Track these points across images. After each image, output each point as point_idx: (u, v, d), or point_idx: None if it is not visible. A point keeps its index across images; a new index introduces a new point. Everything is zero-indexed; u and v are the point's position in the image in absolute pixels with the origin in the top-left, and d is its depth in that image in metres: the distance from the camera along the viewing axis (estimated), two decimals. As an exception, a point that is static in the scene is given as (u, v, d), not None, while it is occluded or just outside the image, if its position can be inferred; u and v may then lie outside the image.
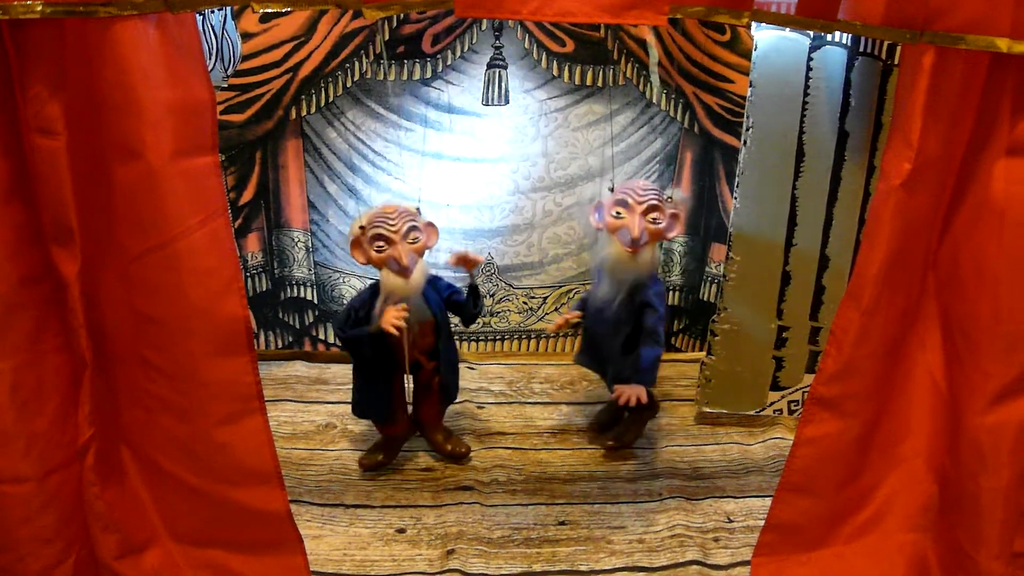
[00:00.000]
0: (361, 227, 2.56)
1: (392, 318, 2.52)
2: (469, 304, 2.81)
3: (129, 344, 2.03)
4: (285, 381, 3.45)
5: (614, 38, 3.34)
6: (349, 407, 2.86)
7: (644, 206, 2.62)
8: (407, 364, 2.74)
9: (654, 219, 2.63)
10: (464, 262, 2.73)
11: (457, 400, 3.22)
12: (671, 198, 2.70)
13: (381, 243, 2.55)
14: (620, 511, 2.75)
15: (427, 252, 2.67)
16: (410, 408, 2.99)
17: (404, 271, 2.56)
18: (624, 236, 2.62)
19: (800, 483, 2.31)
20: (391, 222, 2.54)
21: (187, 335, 1.97)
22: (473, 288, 2.80)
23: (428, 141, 3.39)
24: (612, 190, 2.68)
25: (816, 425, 2.25)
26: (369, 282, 2.77)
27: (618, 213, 2.64)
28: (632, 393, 2.67)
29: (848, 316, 2.15)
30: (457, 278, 2.96)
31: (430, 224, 2.68)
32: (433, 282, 2.76)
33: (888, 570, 2.37)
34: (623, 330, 2.78)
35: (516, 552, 2.55)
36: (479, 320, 3.62)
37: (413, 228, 2.59)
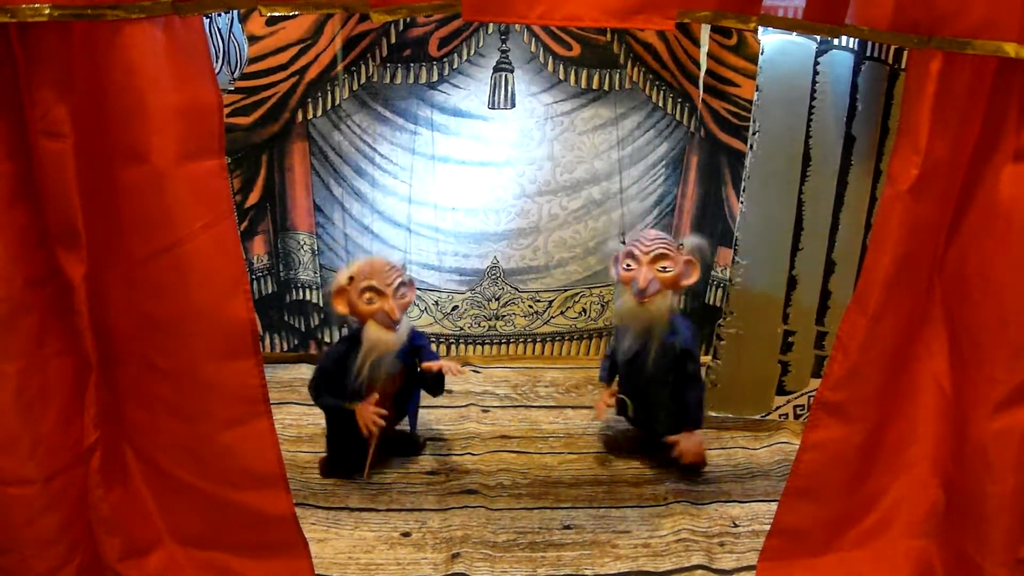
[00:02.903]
0: (350, 278, 2.58)
1: (369, 420, 2.59)
2: (432, 384, 2.86)
3: (134, 347, 2.03)
4: (291, 384, 3.45)
5: (620, 42, 3.34)
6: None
7: (651, 256, 2.68)
8: (370, 457, 2.79)
9: (663, 268, 2.69)
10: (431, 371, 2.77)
11: (461, 404, 3.24)
12: (681, 245, 2.76)
13: (371, 295, 2.57)
14: (625, 515, 2.74)
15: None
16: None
17: (393, 325, 2.59)
18: (634, 287, 2.68)
19: (806, 488, 2.31)
20: (384, 275, 2.58)
21: (193, 338, 1.98)
22: (438, 377, 2.82)
23: (434, 145, 3.39)
24: (624, 243, 2.74)
25: (822, 430, 2.25)
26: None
27: (628, 265, 2.72)
28: (692, 445, 2.80)
29: (854, 321, 2.14)
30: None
31: (412, 281, 2.73)
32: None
33: (893, 576, 2.36)
34: (665, 378, 2.81)
35: (521, 556, 2.54)
36: (481, 322, 3.64)
37: (402, 284, 2.63)
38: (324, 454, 2.89)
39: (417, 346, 2.80)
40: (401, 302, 2.62)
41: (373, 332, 2.60)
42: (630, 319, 2.76)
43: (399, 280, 2.61)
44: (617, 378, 2.99)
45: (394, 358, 2.68)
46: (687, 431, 2.83)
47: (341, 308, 2.63)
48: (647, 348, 2.76)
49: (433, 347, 2.92)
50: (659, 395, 2.86)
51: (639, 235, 2.77)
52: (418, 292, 2.69)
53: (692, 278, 2.78)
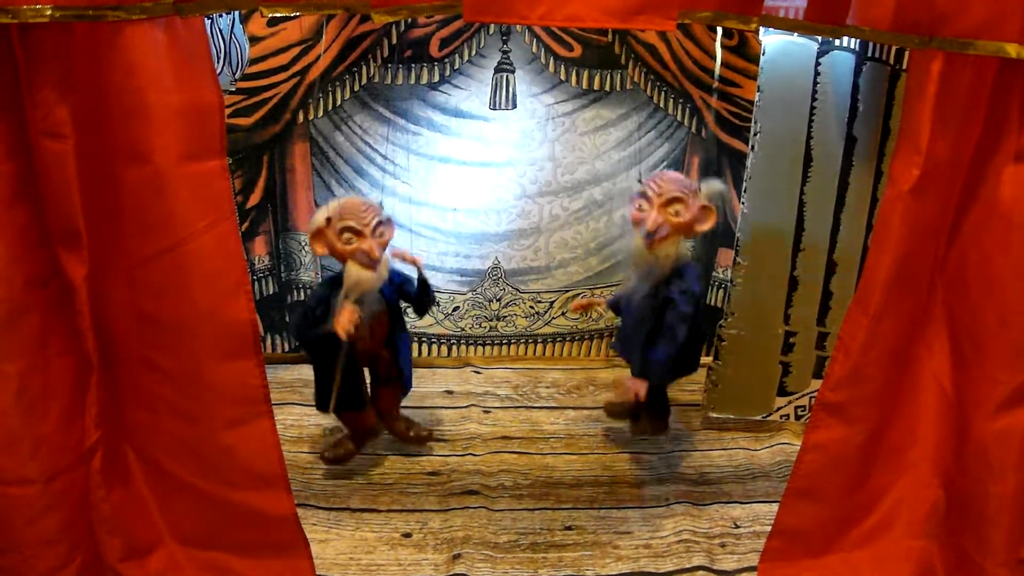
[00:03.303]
0: (327, 219, 2.56)
1: (345, 321, 2.53)
2: (420, 296, 2.83)
3: (135, 347, 2.03)
4: (292, 385, 3.45)
5: (621, 43, 3.34)
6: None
7: (664, 199, 2.58)
8: (354, 354, 2.72)
9: (675, 212, 2.59)
10: (404, 260, 2.76)
11: (462, 405, 3.23)
12: (698, 190, 2.64)
13: (350, 235, 2.56)
14: (626, 516, 2.74)
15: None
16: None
17: (372, 264, 2.58)
18: (641, 229, 2.61)
19: (807, 489, 2.31)
20: (361, 215, 2.56)
21: (194, 338, 1.98)
22: (422, 281, 2.80)
23: (435, 145, 3.39)
24: (641, 182, 2.68)
25: (823, 431, 2.25)
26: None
27: (640, 206, 2.63)
28: (633, 388, 2.67)
29: (856, 321, 2.14)
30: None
31: (390, 219, 2.68)
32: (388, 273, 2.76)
33: (895, 576, 2.36)
34: (645, 324, 2.74)
35: (522, 557, 2.54)
36: (482, 322, 3.63)
37: (380, 223, 2.61)
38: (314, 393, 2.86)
39: (398, 283, 2.81)
40: (380, 240, 2.60)
41: (353, 271, 2.59)
42: (636, 261, 2.68)
43: (376, 219, 2.59)
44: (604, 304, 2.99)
45: (377, 296, 2.68)
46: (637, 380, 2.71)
47: (320, 249, 2.62)
48: (642, 289, 2.71)
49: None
50: (639, 337, 2.77)
51: (656, 175, 2.67)
52: (386, 212, 2.64)
53: (707, 224, 2.66)
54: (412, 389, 2.99)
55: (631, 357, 2.88)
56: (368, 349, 2.79)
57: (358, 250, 2.57)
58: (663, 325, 2.69)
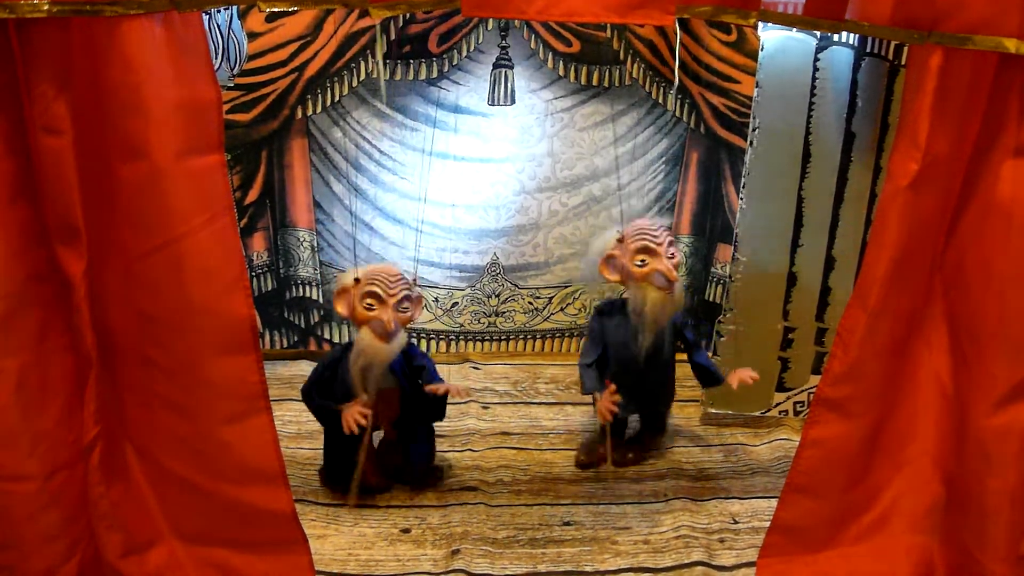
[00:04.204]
0: (356, 279, 2.51)
1: (352, 419, 2.46)
2: (432, 407, 2.75)
3: (134, 343, 2.03)
4: (290, 381, 3.45)
5: (620, 38, 3.34)
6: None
7: (663, 247, 2.62)
8: (357, 476, 2.64)
9: (671, 254, 2.64)
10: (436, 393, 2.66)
11: (462, 401, 3.21)
12: (668, 228, 2.73)
13: (371, 301, 2.49)
14: (625, 512, 2.74)
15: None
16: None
17: (387, 336, 2.51)
18: (661, 281, 2.60)
19: (806, 484, 2.31)
20: (389, 284, 2.50)
21: (192, 334, 1.98)
22: (440, 400, 2.72)
23: (434, 141, 3.39)
24: (621, 239, 2.66)
25: (822, 426, 2.25)
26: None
27: (643, 261, 2.62)
28: (747, 374, 2.71)
29: (855, 317, 2.14)
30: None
31: (420, 298, 2.64)
32: (406, 351, 2.67)
33: (894, 572, 2.36)
34: (663, 359, 2.80)
35: (521, 552, 2.54)
36: (481, 318, 3.63)
37: (407, 298, 2.55)
38: (322, 464, 2.84)
39: (418, 367, 2.71)
40: (401, 316, 2.54)
41: (365, 338, 2.52)
42: (657, 312, 2.66)
43: (404, 293, 2.54)
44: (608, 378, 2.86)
45: (388, 372, 2.60)
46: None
47: (341, 309, 2.55)
48: (662, 335, 2.72)
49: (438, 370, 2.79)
50: (658, 377, 2.87)
51: (640, 228, 2.66)
52: (418, 289, 2.61)
53: (679, 258, 2.72)
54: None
55: (643, 402, 2.94)
56: (376, 427, 2.68)
57: (376, 318, 2.49)
58: (691, 342, 2.83)
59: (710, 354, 3.00)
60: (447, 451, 3.03)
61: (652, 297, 2.63)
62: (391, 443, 2.84)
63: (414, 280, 2.60)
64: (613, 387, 2.67)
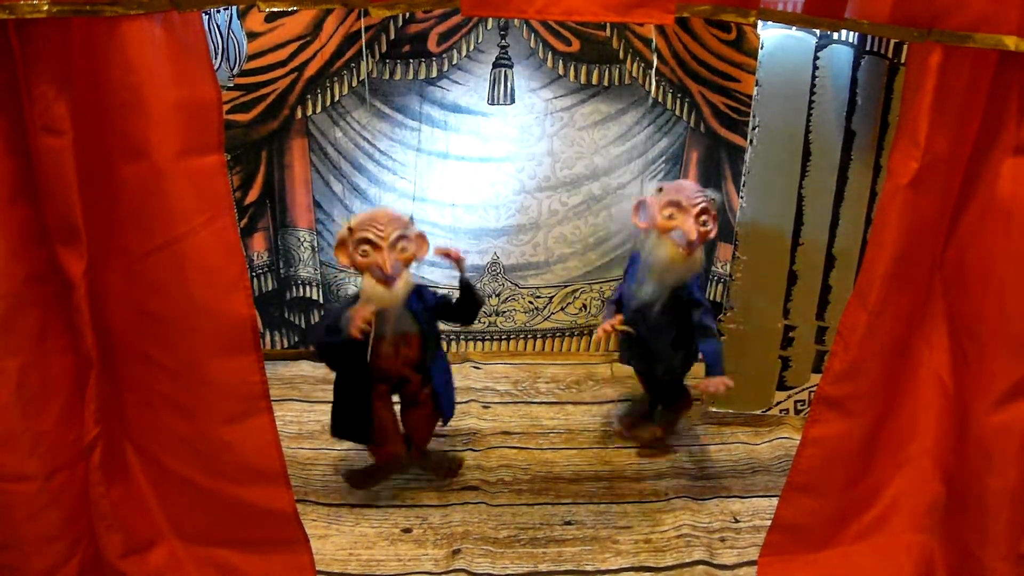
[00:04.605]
0: (349, 228, 2.47)
1: (358, 318, 2.42)
2: (463, 300, 2.67)
3: (134, 343, 2.03)
4: (291, 381, 3.45)
5: (620, 37, 3.34)
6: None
7: (697, 208, 2.60)
8: (373, 356, 2.58)
9: (704, 221, 2.62)
10: (447, 256, 2.61)
11: (462, 400, 3.21)
12: (713, 200, 2.68)
13: (366, 247, 2.46)
14: (626, 511, 2.74)
15: (416, 263, 2.59)
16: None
17: (387, 279, 2.46)
18: (680, 237, 2.59)
19: (806, 483, 2.31)
20: (379, 228, 2.45)
21: (193, 334, 1.98)
22: (464, 285, 2.66)
23: (434, 141, 3.39)
24: (661, 190, 2.65)
25: (823, 425, 2.25)
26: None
27: (671, 215, 2.61)
28: (719, 384, 2.65)
29: (855, 316, 2.14)
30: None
31: (421, 235, 2.58)
32: (419, 293, 2.64)
33: (894, 571, 2.36)
34: (672, 330, 2.78)
35: (522, 552, 2.54)
36: (481, 318, 3.63)
37: (402, 237, 2.49)
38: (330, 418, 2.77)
39: (433, 303, 2.67)
40: (400, 256, 2.49)
41: (368, 285, 2.49)
42: (667, 268, 2.65)
43: (398, 232, 2.48)
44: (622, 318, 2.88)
45: (405, 315, 2.58)
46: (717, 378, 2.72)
47: (343, 259, 2.51)
48: (663, 296, 2.70)
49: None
50: (662, 343, 2.83)
51: (680, 186, 2.67)
52: (416, 227, 2.54)
53: (714, 231, 2.70)
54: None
55: (653, 366, 2.92)
56: (394, 371, 2.68)
57: (372, 263, 2.46)
58: (696, 325, 2.74)
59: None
60: (448, 451, 3.03)
61: (666, 250, 2.62)
62: (411, 407, 2.80)
63: (411, 218, 2.55)
64: (621, 316, 2.79)
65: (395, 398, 2.80)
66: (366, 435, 2.72)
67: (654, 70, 3.39)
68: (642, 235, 2.72)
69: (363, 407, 2.66)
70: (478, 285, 3.61)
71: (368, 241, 2.45)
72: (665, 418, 3.12)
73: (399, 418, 2.80)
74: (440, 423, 2.87)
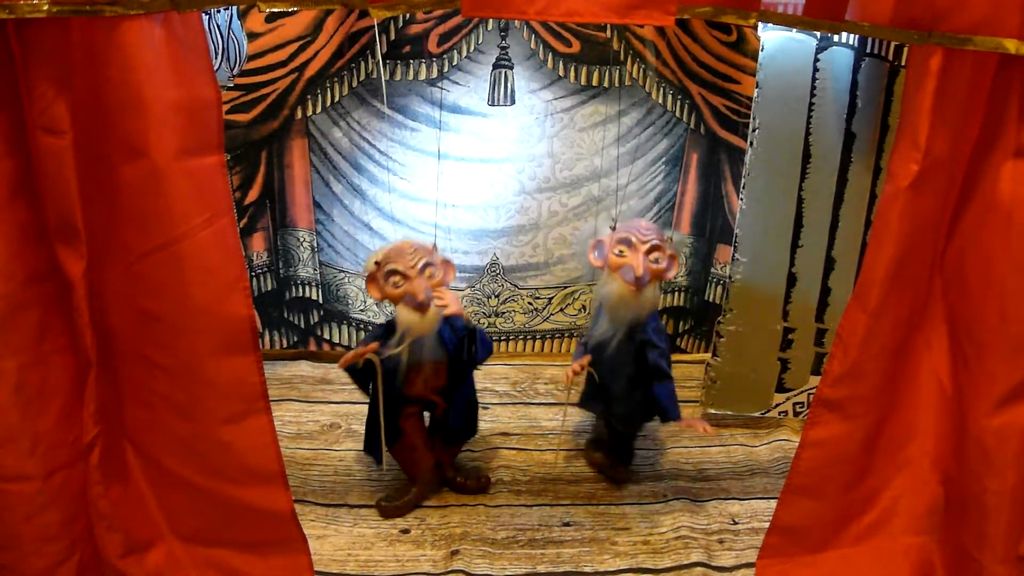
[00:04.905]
0: (376, 263, 2.53)
1: (351, 355, 2.52)
2: (461, 350, 2.68)
3: (134, 343, 2.03)
4: (290, 381, 3.45)
5: (620, 39, 3.34)
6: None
7: (647, 246, 2.59)
8: (404, 382, 2.65)
9: (656, 259, 2.60)
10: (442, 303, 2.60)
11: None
12: (671, 239, 2.69)
13: (397, 279, 2.51)
14: (624, 512, 2.74)
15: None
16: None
17: (421, 307, 2.51)
18: (627, 274, 2.58)
19: (805, 485, 2.31)
20: (407, 258, 2.51)
21: (192, 334, 1.98)
22: (469, 332, 2.66)
23: (434, 141, 3.38)
24: (614, 228, 2.65)
25: (822, 427, 2.25)
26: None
27: (621, 252, 2.61)
28: (700, 427, 2.62)
29: (854, 318, 2.14)
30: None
31: (447, 261, 2.63)
32: (450, 321, 2.66)
33: (893, 573, 2.36)
34: (626, 370, 2.73)
35: (520, 553, 2.54)
36: (481, 318, 3.63)
37: (429, 264, 2.54)
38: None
39: (464, 334, 2.67)
40: (431, 282, 2.53)
41: (404, 315, 2.53)
42: (617, 306, 2.64)
43: (424, 261, 2.53)
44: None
45: (436, 343, 2.62)
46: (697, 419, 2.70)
47: (374, 294, 2.57)
48: (617, 335, 2.68)
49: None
50: (619, 385, 2.77)
51: (632, 224, 2.67)
52: (439, 255, 2.59)
53: (673, 272, 2.69)
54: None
55: (608, 408, 2.87)
56: (421, 395, 2.71)
57: (406, 293, 2.51)
58: (649, 366, 2.68)
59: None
60: (477, 464, 3.02)
61: (614, 289, 2.62)
62: (435, 431, 2.82)
63: (433, 246, 2.60)
64: (589, 358, 2.75)
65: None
66: (381, 452, 2.72)
67: (654, 71, 3.39)
68: (598, 274, 2.72)
69: (389, 426, 2.67)
70: (477, 284, 3.61)
71: (397, 272, 2.50)
72: (610, 468, 3.00)
73: (427, 439, 2.82)
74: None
